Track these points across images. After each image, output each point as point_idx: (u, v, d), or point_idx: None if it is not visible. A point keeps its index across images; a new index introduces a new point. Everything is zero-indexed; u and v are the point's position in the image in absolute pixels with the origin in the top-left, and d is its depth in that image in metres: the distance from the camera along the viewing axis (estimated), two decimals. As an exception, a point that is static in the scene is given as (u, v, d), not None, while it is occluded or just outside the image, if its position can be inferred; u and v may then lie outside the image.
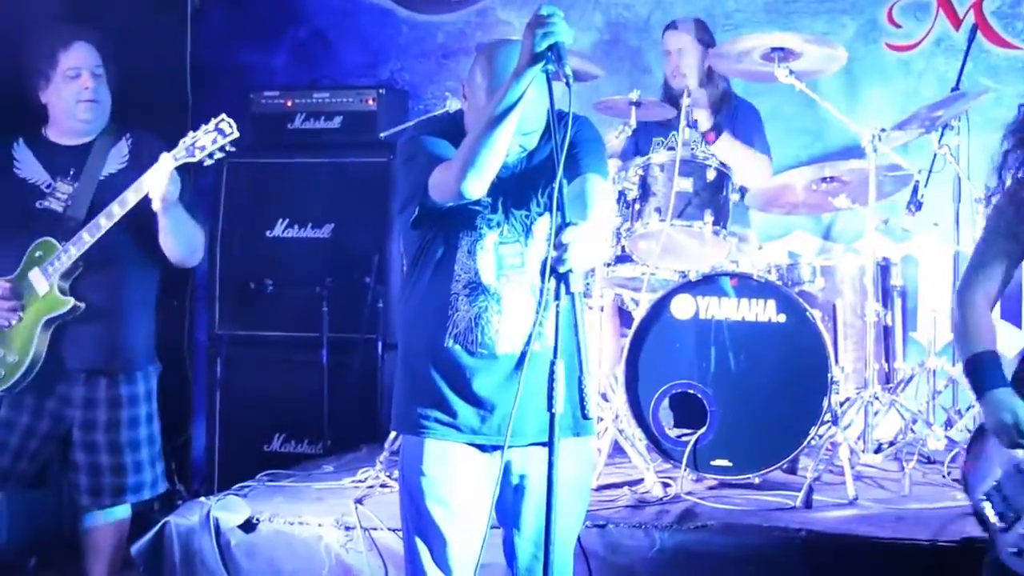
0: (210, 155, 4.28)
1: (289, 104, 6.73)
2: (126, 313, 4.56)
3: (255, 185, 6.63)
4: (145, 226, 4.40)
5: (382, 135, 6.09)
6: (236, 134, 4.30)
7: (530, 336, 3.22)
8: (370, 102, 6.61)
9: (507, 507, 3.40)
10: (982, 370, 3.43)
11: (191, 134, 4.30)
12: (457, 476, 3.33)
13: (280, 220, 6.58)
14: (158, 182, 4.22)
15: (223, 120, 4.30)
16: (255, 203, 6.64)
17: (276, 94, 6.77)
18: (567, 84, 2.92)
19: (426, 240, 3.35)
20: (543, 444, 2.99)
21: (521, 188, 3.32)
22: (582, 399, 3.02)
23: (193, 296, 7.08)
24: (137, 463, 4.55)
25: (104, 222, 4.31)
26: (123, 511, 4.65)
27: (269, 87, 6.85)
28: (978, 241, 3.65)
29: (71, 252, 4.34)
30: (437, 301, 3.33)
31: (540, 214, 3.31)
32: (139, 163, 4.44)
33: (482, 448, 3.34)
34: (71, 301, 4.37)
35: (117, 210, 4.29)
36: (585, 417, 3.09)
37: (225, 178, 6.63)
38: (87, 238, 4.33)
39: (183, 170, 4.31)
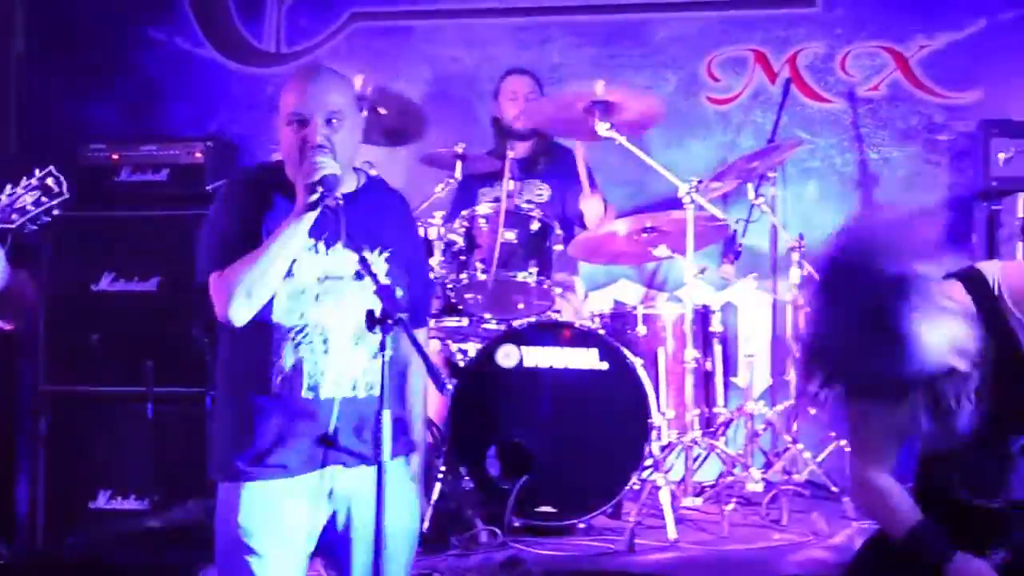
0: (32, 220, 3.66)
1: (115, 157, 6.59)
2: None
3: (80, 239, 6.45)
4: None
5: (209, 187, 6.07)
6: (65, 194, 3.70)
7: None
8: (198, 155, 6.51)
9: (337, 555, 3.35)
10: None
11: (7, 190, 3.67)
12: (274, 522, 3.23)
13: (106, 274, 6.46)
14: None
15: (49, 175, 3.68)
16: (80, 257, 6.47)
17: (102, 147, 6.62)
18: (336, 210, 3.09)
19: None
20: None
21: (344, 226, 3.18)
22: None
23: (17, 352, 6.90)
24: None
25: None
26: None
27: (98, 140, 6.71)
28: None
29: None
30: (257, 352, 3.24)
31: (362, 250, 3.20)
32: None
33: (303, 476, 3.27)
34: None
35: None
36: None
37: (49, 232, 6.49)
38: None
39: None
